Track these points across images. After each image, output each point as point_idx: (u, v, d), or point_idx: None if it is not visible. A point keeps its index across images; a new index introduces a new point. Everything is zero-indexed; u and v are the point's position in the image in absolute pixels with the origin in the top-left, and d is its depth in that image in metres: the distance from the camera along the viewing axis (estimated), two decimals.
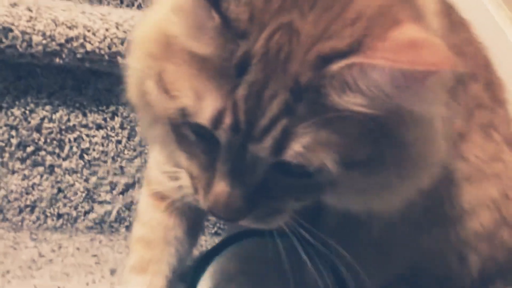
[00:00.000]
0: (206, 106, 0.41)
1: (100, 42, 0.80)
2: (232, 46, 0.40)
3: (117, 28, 0.81)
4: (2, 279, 0.71)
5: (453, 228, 0.64)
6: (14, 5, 0.79)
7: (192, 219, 0.65)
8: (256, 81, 0.40)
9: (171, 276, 0.62)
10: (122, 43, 0.80)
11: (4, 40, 0.77)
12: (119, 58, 0.80)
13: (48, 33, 0.78)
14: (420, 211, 0.62)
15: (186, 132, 0.45)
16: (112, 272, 0.75)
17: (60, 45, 0.79)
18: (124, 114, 0.86)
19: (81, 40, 0.79)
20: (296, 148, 0.41)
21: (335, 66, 0.40)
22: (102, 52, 0.80)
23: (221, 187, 0.44)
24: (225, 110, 0.41)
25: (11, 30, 0.77)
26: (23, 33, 0.78)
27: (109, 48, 0.80)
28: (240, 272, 0.59)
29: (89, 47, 0.80)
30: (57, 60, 0.79)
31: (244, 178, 0.43)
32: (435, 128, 0.47)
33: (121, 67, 0.52)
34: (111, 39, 0.80)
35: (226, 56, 0.41)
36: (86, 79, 0.84)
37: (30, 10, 0.79)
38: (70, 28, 0.79)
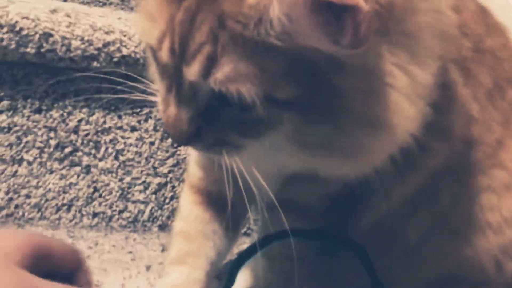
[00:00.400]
0: (154, 28, 0.44)
1: (135, 47, 0.83)
2: None
3: None
4: None
5: (493, 236, 0.64)
6: (54, 11, 0.83)
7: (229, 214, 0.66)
8: (191, 6, 0.42)
9: (209, 268, 0.63)
10: None
11: (44, 44, 0.81)
12: None
13: (86, 38, 0.82)
14: (461, 221, 0.63)
15: (158, 55, 0.47)
16: (148, 268, 0.77)
17: (98, 49, 0.82)
18: (157, 116, 0.89)
19: (118, 45, 0.82)
20: (218, 76, 0.42)
21: None
22: (138, 56, 0.83)
23: (171, 108, 0.47)
24: (166, 32, 0.44)
25: (51, 35, 0.81)
26: (63, 38, 0.81)
27: (144, 52, 0.83)
28: (275, 274, 0.59)
29: (125, 51, 0.83)
30: (95, 64, 0.83)
31: (189, 103, 0.46)
32: (386, 85, 0.45)
33: None
34: None
35: None
36: (121, 82, 0.87)
37: (69, 16, 0.82)
38: (107, 33, 0.82)
